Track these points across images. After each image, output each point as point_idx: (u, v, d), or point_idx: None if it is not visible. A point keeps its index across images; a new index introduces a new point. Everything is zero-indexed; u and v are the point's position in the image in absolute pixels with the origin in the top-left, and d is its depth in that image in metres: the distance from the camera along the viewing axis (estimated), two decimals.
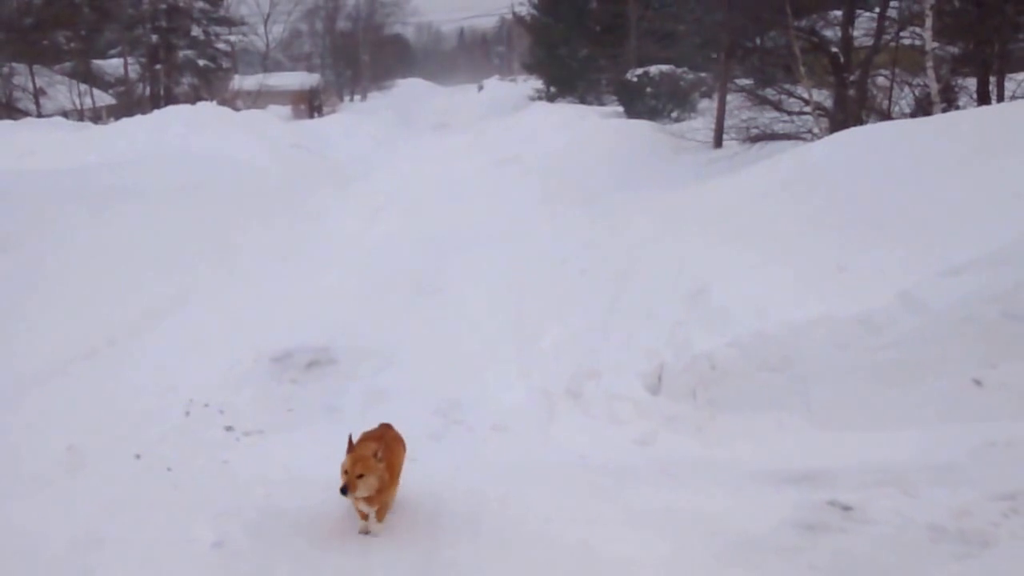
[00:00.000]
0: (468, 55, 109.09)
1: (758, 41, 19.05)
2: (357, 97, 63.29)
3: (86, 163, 14.24)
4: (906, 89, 15.67)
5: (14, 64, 31.25)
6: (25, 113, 29.30)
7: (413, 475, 5.65)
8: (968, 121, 8.68)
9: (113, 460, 6.00)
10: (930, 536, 4.41)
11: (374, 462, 4.53)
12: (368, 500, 4.52)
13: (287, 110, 39.28)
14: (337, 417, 6.82)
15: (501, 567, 4.43)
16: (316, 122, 30.05)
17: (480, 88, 61.18)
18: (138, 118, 20.47)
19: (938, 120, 9.28)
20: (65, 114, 28.39)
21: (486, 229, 12.81)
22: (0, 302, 7.96)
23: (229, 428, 6.60)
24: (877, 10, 15.59)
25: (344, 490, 4.35)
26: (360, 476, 4.40)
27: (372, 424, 6.58)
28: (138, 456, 6.08)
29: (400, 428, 6.44)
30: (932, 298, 5.88)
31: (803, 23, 16.32)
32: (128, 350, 8.01)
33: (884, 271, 6.31)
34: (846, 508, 4.77)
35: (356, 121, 29.54)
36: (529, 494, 5.23)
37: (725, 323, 6.58)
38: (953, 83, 15.01)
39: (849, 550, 4.37)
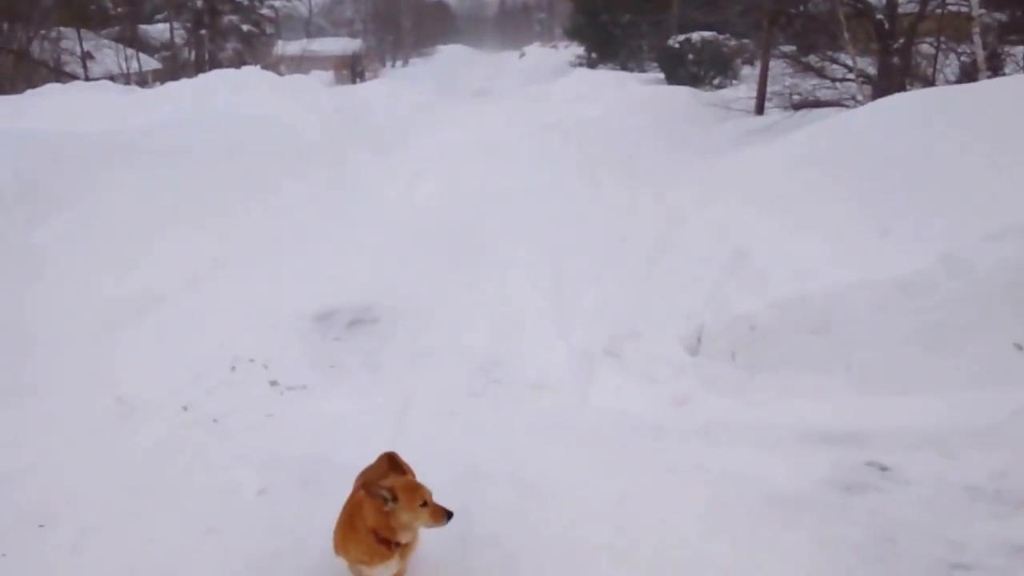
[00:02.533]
0: (509, 22, 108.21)
1: (802, 7, 18.76)
2: (399, 63, 63.31)
3: (135, 125, 14.37)
4: (951, 56, 15.39)
5: (62, 29, 31.61)
6: (73, 77, 29.66)
7: (453, 430, 5.79)
8: (1013, 88, 8.53)
9: (161, 412, 6.15)
10: (967, 496, 4.43)
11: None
12: (405, 549, 3.76)
13: (329, 75, 39.41)
14: (378, 374, 6.95)
15: (538, 519, 4.52)
16: (358, 87, 30.04)
17: (522, 55, 60.83)
18: (184, 81, 20.60)
19: (982, 86, 9.11)
20: (112, 78, 28.69)
21: (526, 193, 12.81)
22: (53, 259, 8.13)
23: (273, 383, 6.73)
24: None
25: (451, 515, 3.63)
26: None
27: (414, 380, 6.75)
28: (185, 408, 6.24)
29: (441, 385, 6.61)
30: (974, 262, 5.82)
31: None
32: (174, 307, 8.11)
33: (926, 235, 6.25)
34: (884, 469, 4.80)
35: (398, 87, 29.51)
36: (567, 451, 5.32)
37: (765, 286, 6.58)
38: (1000, 51, 14.71)
39: (886, 509, 4.41)
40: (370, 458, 4.19)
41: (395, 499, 3.56)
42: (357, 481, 4.07)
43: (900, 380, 5.53)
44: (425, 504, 3.58)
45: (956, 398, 5.29)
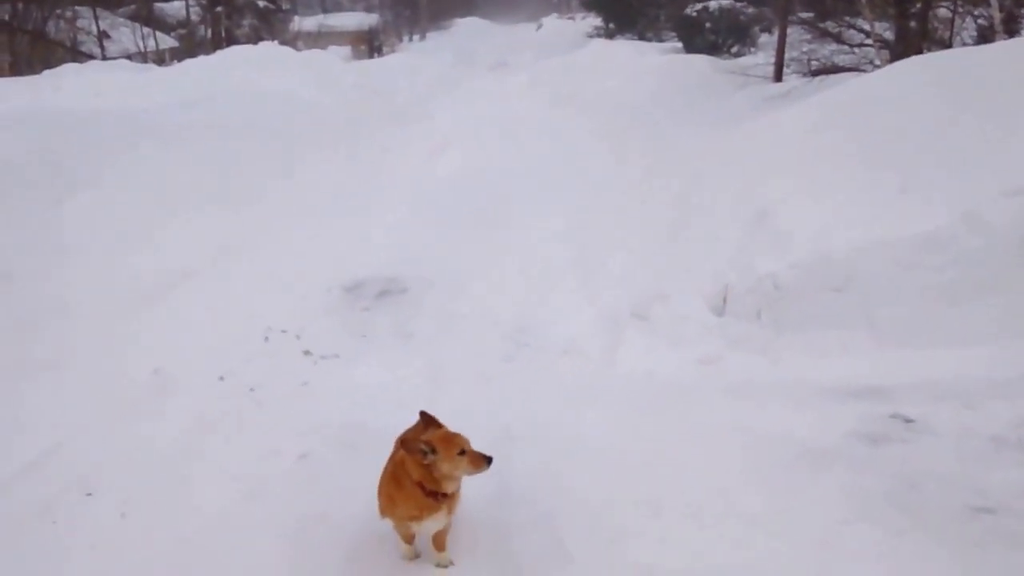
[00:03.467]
0: None
1: None
2: (416, 37, 63.12)
3: (156, 102, 14.50)
4: (968, 20, 15.26)
5: (77, 8, 31.72)
6: (89, 56, 29.82)
7: (485, 394, 5.91)
8: None
9: (198, 382, 6.30)
10: (991, 445, 4.53)
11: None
12: (451, 502, 3.82)
13: (346, 50, 39.34)
14: (410, 342, 7.07)
15: (571, 477, 4.64)
16: (376, 62, 30.06)
17: (539, 27, 60.42)
18: (202, 59, 20.70)
19: (998, 47, 9.07)
20: (129, 57, 28.84)
21: (547, 164, 12.89)
22: (81, 235, 8.27)
23: (307, 352, 6.87)
24: None
25: (490, 460, 3.70)
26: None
27: (445, 347, 6.88)
28: (222, 378, 6.39)
29: (472, 352, 6.73)
30: (994, 217, 5.88)
31: None
32: (204, 281, 8.24)
33: (946, 192, 6.30)
34: (908, 421, 4.91)
35: (416, 61, 29.51)
36: (598, 410, 5.44)
37: (788, 245, 6.65)
38: (1016, 13, 14.57)
39: (912, 459, 4.52)
40: (406, 423, 4.27)
41: (434, 451, 3.67)
42: (396, 443, 4.17)
43: (922, 335, 5.62)
44: (463, 452, 3.67)
45: (977, 351, 5.37)
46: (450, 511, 3.84)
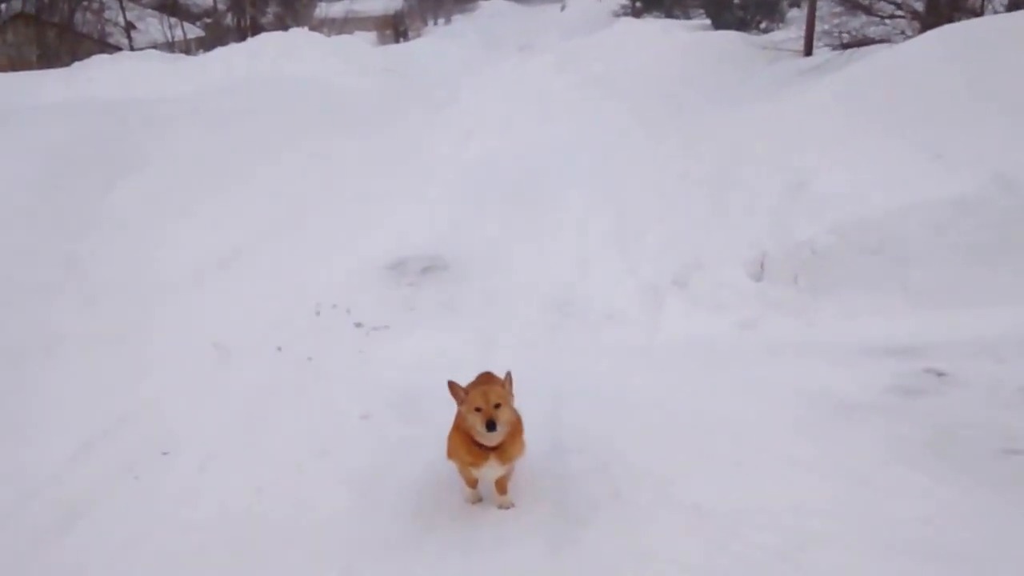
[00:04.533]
0: None
1: None
2: (441, 20, 63.20)
3: (192, 89, 14.85)
4: None
5: None
6: (117, 47, 30.19)
7: (534, 358, 6.16)
8: None
9: (257, 354, 6.62)
10: (1020, 395, 4.74)
11: (504, 392, 4.01)
12: (500, 454, 4.02)
13: (372, 35, 39.57)
14: (456, 314, 7.35)
15: (622, 431, 4.89)
16: (403, 46, 30.36)
17: (563, 7, 60.29)
18: (232, 46, 21.01)
19: None
20: (155, 47, 29.21)
21: (578, 142, 13.10)
22: (131, 218, 8.59)
23: (359, 324, 7.17)
24: None
25: (491, 425, 3.84)
26: (497, 406, 3.90)
27: (491, 318, 7.14)
28: (279, 349, 6.70)
29: (518, 321, 6.99)
30: None
31: None
32: (253, 260, 8.52)
33: (978, 156, 6.48)
34: (941, 374, 5.12)
35: (442, 44, 29.78)
36: (643, 371, 5.70)
37: (824, 211, 6.85)
38: None
39: (946, 409, 4.74)
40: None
41: (463, 401, 4.00)
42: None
43: (954, 295, 5.83)
44: (479, 410, 3.89)
45: (1008, 310, 5.59)
46: (503, 461, 4.06)
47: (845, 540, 3.69)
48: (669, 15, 35.32)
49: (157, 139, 10.33)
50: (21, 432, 5.17)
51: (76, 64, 19.50)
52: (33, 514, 4.45)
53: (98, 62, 19.72)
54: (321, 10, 41.65)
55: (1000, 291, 5.73)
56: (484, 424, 3.86)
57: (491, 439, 3.96)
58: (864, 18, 16.46)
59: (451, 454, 4.17)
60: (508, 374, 4.15)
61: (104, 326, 6.66)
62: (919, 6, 15.65)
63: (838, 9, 17.28)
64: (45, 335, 6.15)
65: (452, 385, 4.05)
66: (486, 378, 4.35)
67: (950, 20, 13.11)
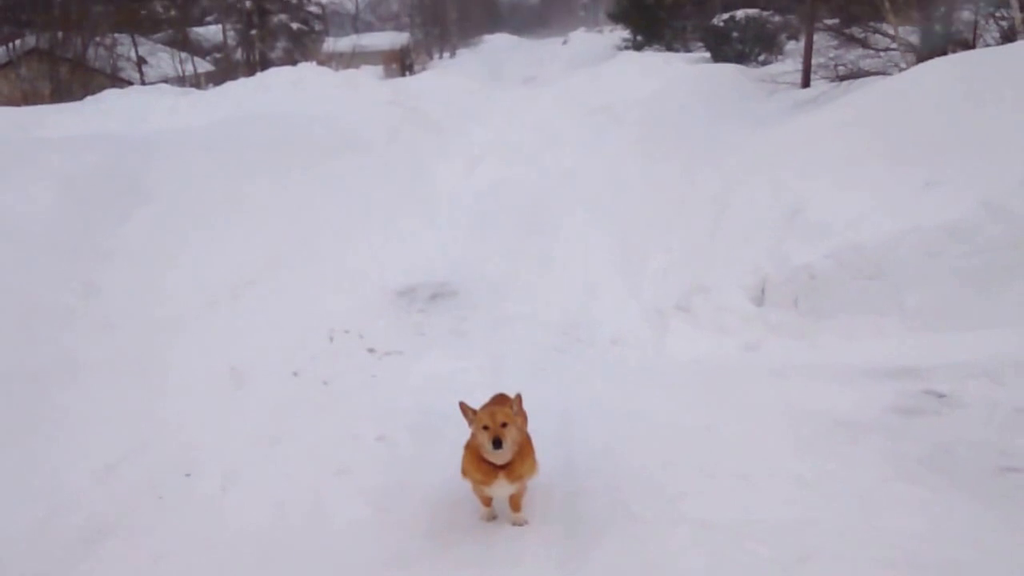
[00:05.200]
0: (553, 8, 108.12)
1: None
2: (446, 54, 63.94)
3: (205, 122, 15.11)
4: (991, 22, 15.54)
5: (116, 35, 32.61)
6: (128, 82, 30.65)
7: (544, 381, 6.32)
8: None
9: (273, 377, 6.78)
10: (1017, 416, 4.91)
11: (511, 412, 4.19)
12: (509, 473, 4.17)
13: (379, 70, 40.07)
14: (466, 339, 7.53)
15: (631, 448, 5.05)
16: (409, 80, 30.64)
17: (565, 41, 60.92)
18: (243, 80, 21.33)
19: (1018, 45, 9.41)
20: (166, 81, 29.65)
21: (583, 171, 13.31)
22: (153, 245, 8.79)
23: (371, 350, 7.34)
24: None
25: (497, 443, 4.01)
26: (504, 425, 4.08)
27: (500, 342, 7.31)
28: (295, 373, 6.87)
29: (526, 345, 7.16)
30: (1015, 206, 6.25)
31: None
32: (267, 287, 8.65)
33: (969, 184, 6.67)
34: (940, 396, 5.30)
35: (447, 77, 30.01)
36: (649, 392, 5.87)
37: (822, 237, 7.05)
38: None
39: (944, 428, 4.92)
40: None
41: (472, 421, 4.19)
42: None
43: (950, 318, 6.00)
44: (486, 428, 4.06)
45: (1002, 333, 5.74)
46: (512, 479, 4.21)
47: (846, 553, 3.85)
48: (669, 48, 35.76)
49: (171, 170, 10.53)
50: (47, 453, 5.33)
51: (88, 98, 19.83)
52: (62, 531, 4.60)
53: (110, 96, 20.08)
54: (329, 45, 42.23)
55: (994, 314, 5.89)
56: (491, 442, 4.03)
57: (498, 457, 4.12)
58: (860, 51, 16.74)
59: (464, 473, 4.34)
60: (518, 396, 4.33)
61: (123, 352, 6.82)
62: (913, 39, 15.95)
63: (834, 42, 17.58)
64: (66, 360, 6.31)
65: (463, 406, 4.23)
66: (499, 399, 4.53)
67: (943, 53, 13.36)
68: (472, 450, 4.26)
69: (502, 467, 4.17)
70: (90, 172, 9.53)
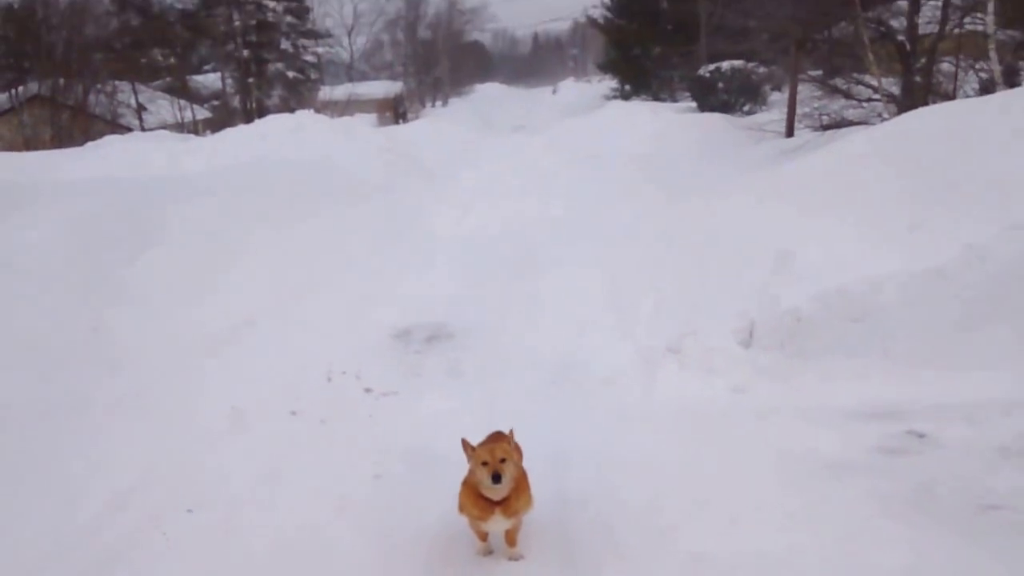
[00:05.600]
0: (543, 58, 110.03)
1: (827, 32, 19.45)
2: (439, 103, 64.90)
3: (205, 167, 15.41)
4: (970, 73, 16.02)
5: (116, 83, 33.11)
6: (128, 128, 31.05)
7: (537, 420, 6.47)
8: None
9: (273, 417, 6.89)
10: (997, 455, 5.08)
11: (509, 447, 4.35)
12: (505, 508, 4.31)
13: (373, 117, 40.65)
14: (461, 379, 7.66)
15: (621, 485, 5.20)
16: (402, 127, 31.19)
17: (554, 91, 61.87)
18: (241, 127, 21.71)
19: (1001, 96, 9.75)
20: (165, 127, 30.05)
21: (572, 216, 13.62)
22: (153, 288, 8.97)
23: (368, 390, 7.48)
24: None
25: (497, 478, 4.13)
26: (503, 460, 4.21)
27: (494, 383, 7.46)
28: (294, 413, 6.99)
29: (520, 385, 7.32)
30: (997, 251, 6.47)
31: (870, 13, 16.79)
32: (266, 328, 8.86)
33: (952, 229, 6.91)
34: (922, 436, 5.48)
35: (439, 125, 30.58)
36: (640, 431, 6.02)
37: (808, 280, 7.24)
38: (1015, 66, 15.33)
39: (926, 468, 5.08)
40: None
41: (471, 457, 4.34)
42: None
43: (933, 361, 6.18)
44: (485, 464, 4.18)
45: (984, 375, 5.92)
46: (508, 515, 4.34)
47: None
48: (656, 98, 36.51)
49: (174, 214, 10.78)
50: (55, 487, 5.46)
51: (89, 144, 20.13)
52: (69, 565, 4.71)
53: (110, 142, 20.39)
54: (324, 93, 42.87)
55: (974, 357, 6.07)
56: (490, 477, 4.16)
57: (497, 492, 4.25)
58: (843, 101, 17.22)
59: (461, 509, 4.47)
60: (511, 431, 4.51)
61: (128, 390, 6.98)
62: (895, 90, 16.39)
63: (818, 93, 18.06)
64: (75, 397, 6.48)
65: (464, 443, 4.38)
66: (495, 436, 4.66)
67: (925, 103, 13.76)
68: (469, 486, 4.41)
69: (498, 503, 4.30)
70: (97, 215, 9.77)
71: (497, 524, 4.41)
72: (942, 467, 5.07)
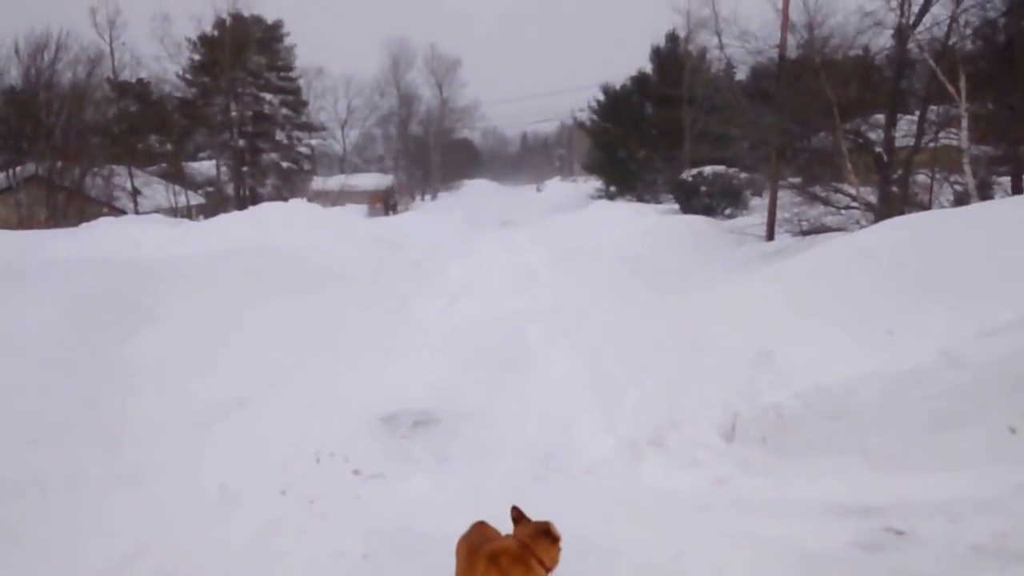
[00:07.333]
0: (531, 157, 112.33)
1: (807, 142, 20.17)
2: (428, 196, 66.00)
3: (198, 252, 15.67)
4: (945, 185, 16.65)
5: (113, 167, 33.66)
6: (122, 211, 31.48)
7: (523, 506, 6.59)
8: (999, 211, 9.71)
9: (261, 496, 7.01)
10: (973, 553, 5.22)
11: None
12: None
13: (364, 208, 41.30)
14: (447, 464, 7.80)
15: (603, 572, 5.33)
16: (392, 219, 31.69)
17: (539, 189, 63.03)
18: (235, 213, 22.11)
19: (974, 208, 10.24)
20: (158, 211, 30.50)
21: (557, 310, 13.88)
22: (146, 367, 9.11)
23: (356, 472, 7.60)
24: (917, 114, 16.71)
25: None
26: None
27: (480, 469, 7.60)
28: (283, 492, 7.11)
29: (505, 472, 7.46)
30: (971, 355, 6.73)
31: (849, 125, 17.48)
32: (257, 409, 8.97)
33: (928, 333, 7.22)
34: (900, 532, 5.61)
35: (428, 218, 31.15)
36: (623, 522, 6.15)
37: (789, 379, 7.50)
38: (989, 180, 15.97)
39: (904, 564, 5.20)
40: (453, 529, 4.98)
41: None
42: (460, 544, 4.81)
43: (910, 459, 6.37)
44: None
45: (960, 475, 6.10)
46: None
47: None
48: (640, 199, 37.40)
49: (170, 294, 10.98)
50: (48, 559, 5.54)
51: (83, 224, 20.44)
52: None
53: (104, 223, 20.72)
54: (317, 183, 43.66)
55: (952, 457, 6.26)
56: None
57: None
58: (822, 208, 17.77)
59: None
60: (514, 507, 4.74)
61: (121, 466, 7.08)
62: (873, 199, 16.95)
63: (798, 199, 18.64)
64: (68, 471, 6.57)
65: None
66: (478, 527, 4.83)
67: (901, 212, 14.26)
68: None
69: None
70: (92, 294, 9.95)
71: None
72: (919, 563, 5.19)
